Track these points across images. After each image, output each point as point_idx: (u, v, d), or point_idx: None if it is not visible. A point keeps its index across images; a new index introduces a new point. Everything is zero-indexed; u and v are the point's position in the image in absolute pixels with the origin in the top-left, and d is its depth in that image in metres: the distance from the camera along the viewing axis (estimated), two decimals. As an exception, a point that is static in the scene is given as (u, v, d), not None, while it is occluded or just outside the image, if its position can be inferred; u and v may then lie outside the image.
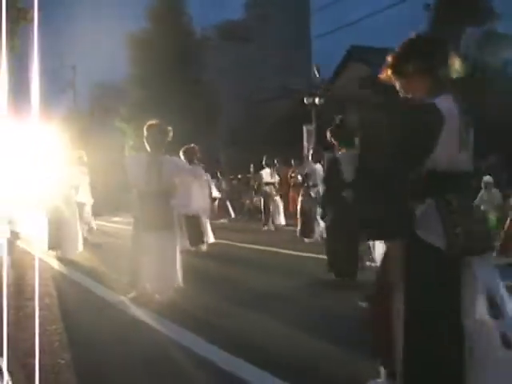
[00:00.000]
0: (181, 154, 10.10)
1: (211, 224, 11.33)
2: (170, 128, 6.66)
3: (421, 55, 3.04)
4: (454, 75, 3.10)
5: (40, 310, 5.74)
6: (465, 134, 2.94)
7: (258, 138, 36.02)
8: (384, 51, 3.29)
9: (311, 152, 13.61)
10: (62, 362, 4.11)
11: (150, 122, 6.64)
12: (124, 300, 6.18)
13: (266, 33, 76.54)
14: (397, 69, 3.11)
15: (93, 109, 54.32)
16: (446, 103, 2.87)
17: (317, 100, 24.52)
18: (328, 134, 7.25)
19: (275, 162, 18.15)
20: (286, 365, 3.95)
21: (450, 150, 2.83)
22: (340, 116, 7.35)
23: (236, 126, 38.65)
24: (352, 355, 4.09)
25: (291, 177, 21.19)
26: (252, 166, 25.21)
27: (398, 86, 3.14)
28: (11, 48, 14.82)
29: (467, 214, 2.86)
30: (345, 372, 3.79)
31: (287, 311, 5.69)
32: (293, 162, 21.29)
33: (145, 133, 6.57)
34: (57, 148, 10.58)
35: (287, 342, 4.58)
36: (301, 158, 22.82)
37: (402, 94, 3.13)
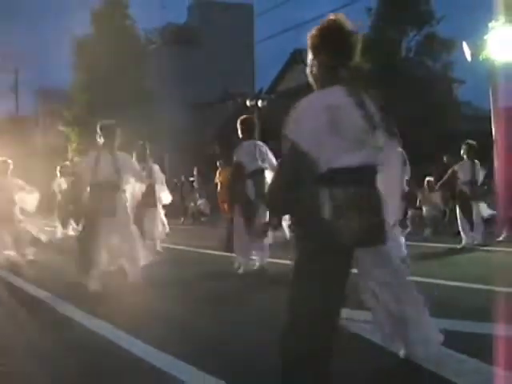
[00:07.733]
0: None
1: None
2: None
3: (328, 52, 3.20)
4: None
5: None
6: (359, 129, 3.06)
7: (204, 142, 36.05)
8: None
9: None
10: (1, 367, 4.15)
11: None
12: (66, 303, 6.24)
13: (209, 36, 76.37)
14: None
15: (37, 113, 53.51)
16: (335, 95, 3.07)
17: (259, 103, 24.72)
18: None
19: (218, 164, 17.66)
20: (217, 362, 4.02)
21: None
22: None
23: (181, 129, 38.45)
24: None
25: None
26: (196, 169, 25.19)
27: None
28: None
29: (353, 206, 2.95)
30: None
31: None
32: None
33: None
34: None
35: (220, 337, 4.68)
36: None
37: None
